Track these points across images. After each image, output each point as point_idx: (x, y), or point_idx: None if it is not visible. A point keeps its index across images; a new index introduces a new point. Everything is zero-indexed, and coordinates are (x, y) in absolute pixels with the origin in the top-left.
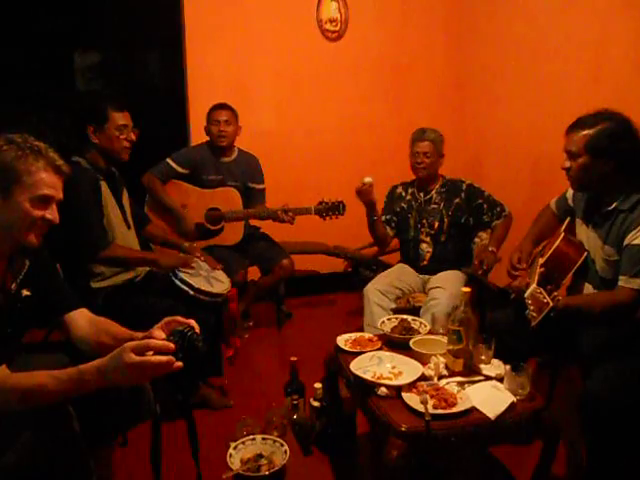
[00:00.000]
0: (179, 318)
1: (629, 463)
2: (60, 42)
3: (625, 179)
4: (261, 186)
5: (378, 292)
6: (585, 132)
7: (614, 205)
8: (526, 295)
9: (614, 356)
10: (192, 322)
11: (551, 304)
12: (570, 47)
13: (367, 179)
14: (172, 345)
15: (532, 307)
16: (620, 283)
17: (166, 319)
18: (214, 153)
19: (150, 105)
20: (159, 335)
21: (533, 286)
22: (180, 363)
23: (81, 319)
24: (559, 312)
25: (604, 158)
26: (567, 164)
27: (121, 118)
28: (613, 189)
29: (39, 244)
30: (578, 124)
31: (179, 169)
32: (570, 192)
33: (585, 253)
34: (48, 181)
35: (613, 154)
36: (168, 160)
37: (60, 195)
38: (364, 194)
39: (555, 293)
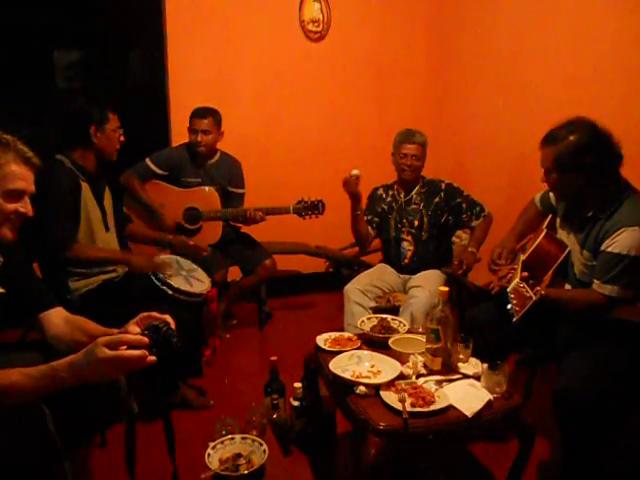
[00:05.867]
0: (155, 314)
1: (602, 458)
2: (40, 40)
3: (600, 189)
4: (240, 191)
5: (358, 291)
6: (553, 148)
7: (592, 212)
8: (509, 289)
9: (584, 348)
10: (168, 317)
11: (534, 298)
12: (549, 52)
13: (355, 171)
14: (146, 339)
15: (515, 301)
16: (593, 286)
17: (142, 314)
18: (193, 156)
19: (131, 104)
20: (134, 330)
21: (516, 280)
22: (154, 358)
23: (56, 317)
24: (538, 300)
25: (572, 173)
26: (544, 178)
27: (116, 119)
28: (590, 198)
29: (14, 238)
30: (547, 139)
31: (157, 170)
32: None
33: (566, 250)
34: (19, 174)
35: (580, 168)
36: (147, 161)
37: (32, 188)
38: (350, 185)
39: (537, 287)
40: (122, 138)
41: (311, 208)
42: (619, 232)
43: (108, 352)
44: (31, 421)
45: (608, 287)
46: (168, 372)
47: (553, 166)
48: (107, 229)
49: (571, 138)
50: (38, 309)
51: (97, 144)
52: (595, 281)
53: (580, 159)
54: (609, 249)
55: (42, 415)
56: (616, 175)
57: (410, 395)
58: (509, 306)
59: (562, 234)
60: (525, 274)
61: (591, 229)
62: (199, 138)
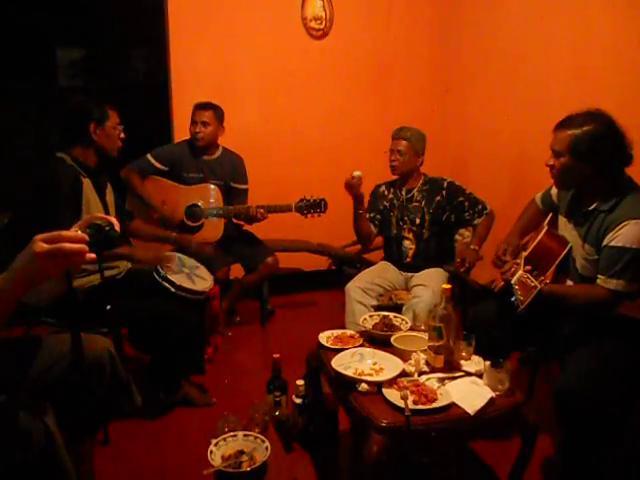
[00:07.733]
0: (99, 214)
1: (604, 456)
2: (43, 38)
3: (606, 181)
4: (244, 186)
5: (359, 290)
6: (570, 132)
7: (594, 205)
8: (513, 281)
9: (586, 346)
10: (112, 219)
11: (539, 287)
12: (552, 49)
13: (357, 173)
14: (85, 236)
15: (520, 292)
16: (598, 281)
17: (86, 217)
18: (195, 151)
19: (134, 102)
20: None
21: (520, 272)
22: (94, 255)
23: None
24: (543, 297)
25: (585, 161)
26: (551, 162)
27: (116, 116)
28: (594, 190)
29: None
30: (565, 122)
31: (158, 165)
32: (555, 189)
33: (568, 246)
34: None
35: (593, 157)
36: (148, 156)
37: None
38: (352, 187)
39: (542, 277)
40: (122, 135)
41: (313, 206)
42: (622, 225)
43: (45, 245)
44: (30, 418)
45: (613, 282)
46: (170, 369)
47: (567, 150)
48: None
49: (591, 126)
50: None
51: (97, 141)
52: (600, 276)
53: (595, 148)
54: (612, 243)
55: (42, 411)
56: (621, 172)
57: (412, 392)
58: (513, 298)
59: (563, 229)
60: (528, 267)
61: (592, 223)
62: (197, 129)
